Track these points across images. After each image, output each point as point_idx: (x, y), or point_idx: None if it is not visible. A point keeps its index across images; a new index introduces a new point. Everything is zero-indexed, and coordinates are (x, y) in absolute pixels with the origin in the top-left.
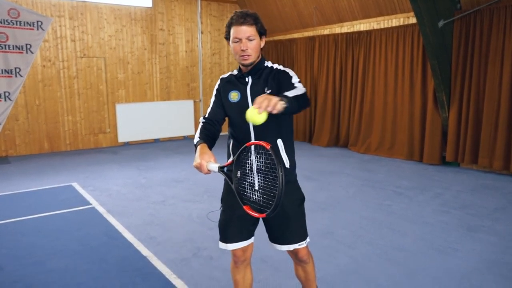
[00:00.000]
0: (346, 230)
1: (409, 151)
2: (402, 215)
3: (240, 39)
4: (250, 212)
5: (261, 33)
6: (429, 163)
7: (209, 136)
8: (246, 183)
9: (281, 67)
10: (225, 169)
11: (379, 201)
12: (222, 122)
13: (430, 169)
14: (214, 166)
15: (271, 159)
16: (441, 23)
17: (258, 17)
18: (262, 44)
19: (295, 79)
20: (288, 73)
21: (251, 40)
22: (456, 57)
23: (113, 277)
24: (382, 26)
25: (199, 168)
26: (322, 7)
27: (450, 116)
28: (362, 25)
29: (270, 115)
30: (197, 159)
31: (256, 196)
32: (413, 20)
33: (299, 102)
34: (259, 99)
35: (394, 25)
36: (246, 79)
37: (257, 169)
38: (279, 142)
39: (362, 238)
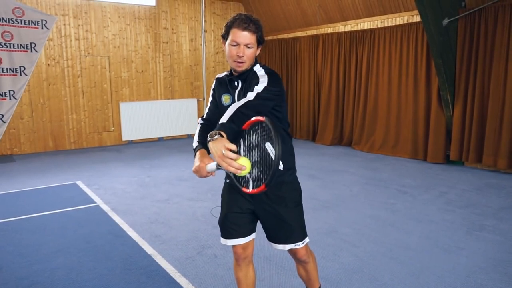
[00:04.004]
0: (350, 228)
1: (413, 149)
2: (406, 214)
3: (239, 44)
4: (249, 191)
5: (260, 42)
6: (433, 162)
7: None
8: None
9: (261, 72)
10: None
11: (383, 199)
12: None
13: (434, 168)
14: (213, 165)
15: (267, 130)
16: (445, 22)
17: (260, 25)
18: (258, 52)
19: (259, 86)
20: (259, 77)
21: (249, 47)
22: (460, 55)
23: (118, 275)
24: (386, 25)
25: (197, 171)
26: (326, 6)
27: (455, 115)
28: (366, 24)
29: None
30: (196, 163)
31: (254, 173)
32: (417, 18)
33: (238, 121)
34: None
35: (398, 23)
36: (236, 83)
37: (254, 145)
38: (267, 145)
39: (367, 237)
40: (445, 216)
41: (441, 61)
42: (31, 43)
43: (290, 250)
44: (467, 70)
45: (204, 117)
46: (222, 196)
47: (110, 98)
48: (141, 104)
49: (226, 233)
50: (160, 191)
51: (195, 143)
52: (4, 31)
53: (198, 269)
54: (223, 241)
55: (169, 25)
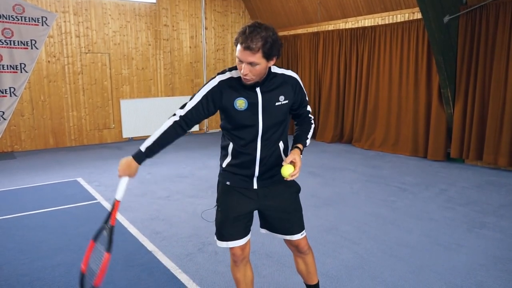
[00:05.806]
0: (350, 226)
1: (413, 147)
2: (406, 211)
3: (242, 61)
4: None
5: (270, 56)
6: (434, 160)
7: (160, 150)
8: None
9: (290, 73)
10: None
11: (384, 197)
12: (195, 125)
13: (434, 166)
14: (121, 192)
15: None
16: (446, 19)
17: (267, 40)
18: (271, 64)
19: (306, 99)
20: (302, 89)
21: (254, 65)
22: (461, 52)
23: (119, 271)
24: (386, 22)
25: (121, 171)
26: (327, 3)
27: (455, 112)
28: (366, 21)
29: (278, 122)
30: (120, 168)
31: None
32: (418, 15)
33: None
34: (297, 168)
35: (399, 20)
36: (256, 88)
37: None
38: (280, 144)
39: (367, 234)
40: (446, 214)
41: (441, 58)
42: (31, 40)
43: (293, 242)
44: (468, 68)
45: (184, 114)
46: (221, 199)
47: (111, 95)
48: (142, 101)
49: (227, 236)
50: (160, 188)
51: (143, 147)
52: (5, 28)
53: (198, 265)
54: (223, 244)
55: (170, 22)
